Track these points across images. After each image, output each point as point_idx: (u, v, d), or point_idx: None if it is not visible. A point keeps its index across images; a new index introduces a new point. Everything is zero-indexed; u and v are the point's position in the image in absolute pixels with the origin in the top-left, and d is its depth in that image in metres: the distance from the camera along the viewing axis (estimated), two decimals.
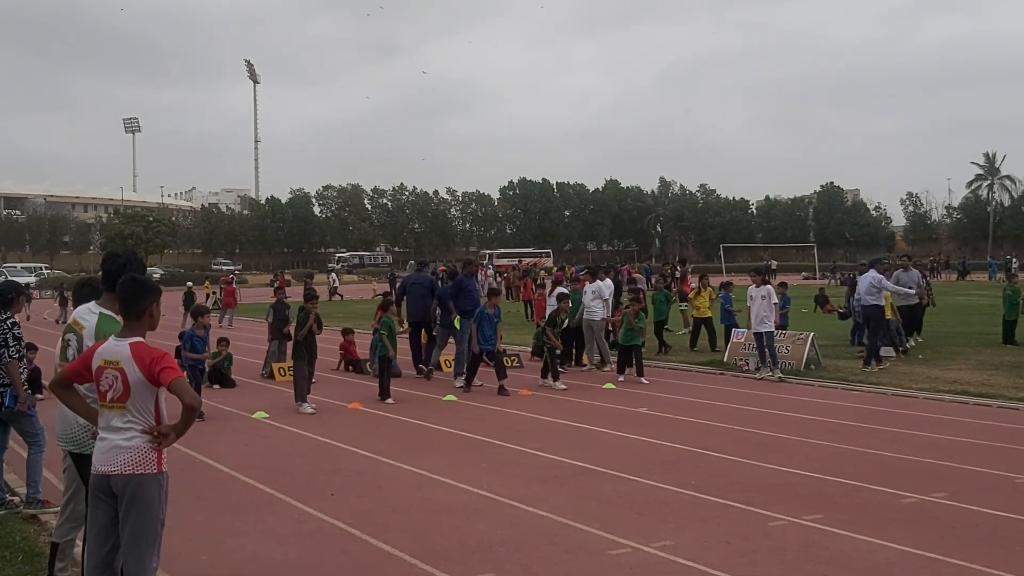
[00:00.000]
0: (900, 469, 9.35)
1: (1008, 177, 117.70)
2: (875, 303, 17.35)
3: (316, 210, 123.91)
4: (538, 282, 32.98)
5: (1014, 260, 68.15)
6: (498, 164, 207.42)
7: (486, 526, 7.48)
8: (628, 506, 8.03)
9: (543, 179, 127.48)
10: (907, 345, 19.59)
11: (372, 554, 6.80)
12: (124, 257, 5.53)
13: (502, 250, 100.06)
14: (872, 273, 17.83)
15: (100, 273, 5.59)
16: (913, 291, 19.59)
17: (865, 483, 8.71)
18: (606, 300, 18.19)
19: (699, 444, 10.70)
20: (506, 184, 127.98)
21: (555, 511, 7.84)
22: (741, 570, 6.29)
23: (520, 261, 72.71)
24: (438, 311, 17.28)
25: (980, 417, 12.41)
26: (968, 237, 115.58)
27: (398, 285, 21.83)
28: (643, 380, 15.98)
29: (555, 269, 50.95)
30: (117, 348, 4.74)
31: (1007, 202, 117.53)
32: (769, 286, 17.03)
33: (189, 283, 39.68)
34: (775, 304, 16.60)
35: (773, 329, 16.63)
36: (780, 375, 16.28)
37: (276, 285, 29.07)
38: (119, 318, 5.20)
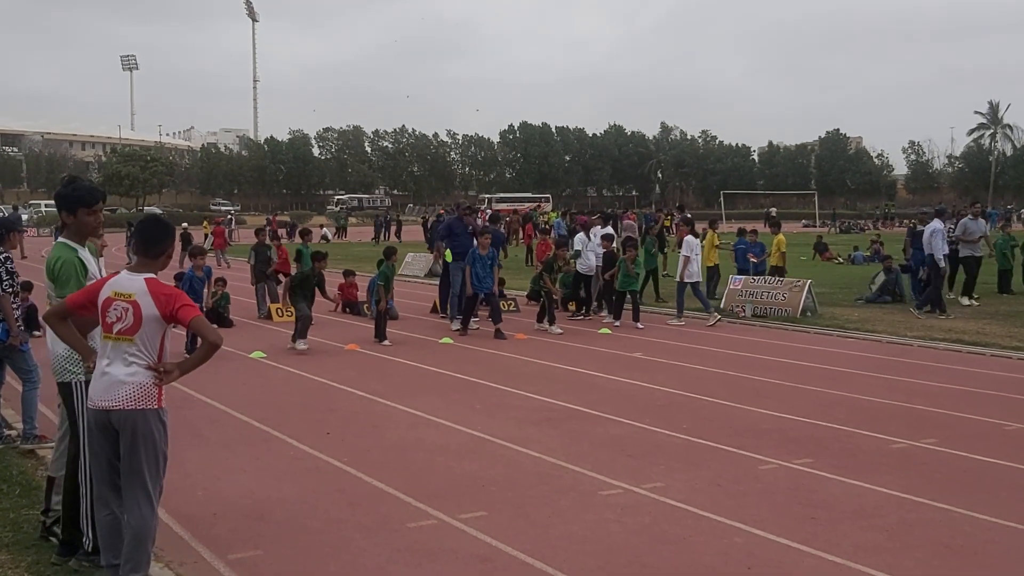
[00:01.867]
0: (891, 415, 9.42)
1: (1010, 126, 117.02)
2: (928, 252, 17.25)
3: (315, 151, 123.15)
4: (540, 227, 32.88)
5: (1022, 210, 68.06)
6: (498, 108, 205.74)
7: (479, 466, 7.56)
8: (620, 448, 8.11)
9: (543, 123, 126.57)
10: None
11: (366, 492, 6.88)
12: (79, 183, 5.52)
13: (501, 194, 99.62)
14: (936, 223, 17.68)
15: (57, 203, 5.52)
16: (980, 241, 19.31)
17: (856, 428, 8.79)
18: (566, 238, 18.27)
19: (692, 389, 10.77)
20: (506, 128, 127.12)
21: (547, 452, 7.92)
22: (730, 512, 6.37)
23: (539, 205, 72.23)
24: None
25: (973, 365, 12.48)
26: (969, 186, 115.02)
27: (440, 226, 21.28)
28: (638, 325, 16.03)
29: (555, 215, 50.66)
30: (131, 281, 4.78)
31: (1009, 152, 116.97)
32: (692, 238, 17.39)
33: (185, 224, 39.66)
34: (686, 256, 16.83)
35: (683, 280, 16.89)
36: (679, 323, 16.60)
37: (268, 227, 29.04)
38: (73, 244, 5.24)
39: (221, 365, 12.36)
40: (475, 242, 16.56)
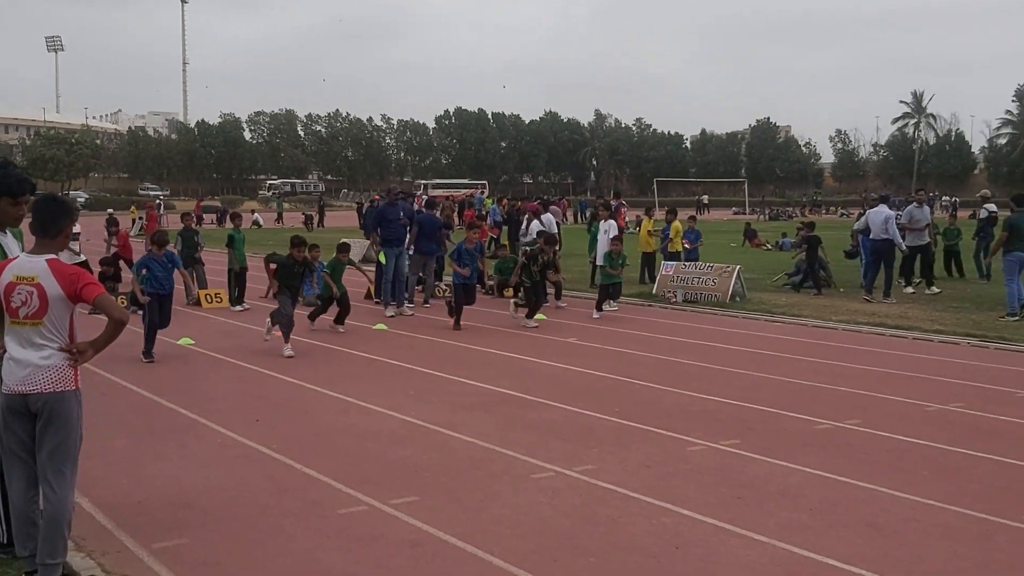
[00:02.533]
0: (816, 397, 9.63)
1: (933, 116, 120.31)
2: (887, 238, 17.45)
3: (247, 135, 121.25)
4: (481, 213, 32.91)
5: (949, 198, 69.96)
6: (434, 93, 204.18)
7: (411, 451, 7.53)
8: (553, 432, 8.15)
9: (479, 109, 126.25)
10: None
11: (296, 478, 6.81)
12: (11, 170, 5.33)
13: (436, 180, 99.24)
14: (884, 208, 17.98)
15: None
16: (925, 230, 19.14)
17: (782, 410, 8.97)
18: (553, 234, 18.33)
19: (624, 373, 10.87)
20: (442, 113, 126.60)
21: (481, 437, 7.93)
22: (659, 493, 6.45)
23: (481, 191, 73.05)
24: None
25: (896, 348, 12.81)
26: (894, 174, 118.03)
27: (372, 213, 20.43)
28: (595, 315, 15.75)
29: (490, 201, 50.62)
30: (32, 264, 4.67)
31: (932, 140, 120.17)
32: (612, 221, 17.56)
33: (110, 210, 38.80)
34: (611, 239, 16.95)
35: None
36: (611, 309, 16.47)
37: (193, 211, 28.59)
38: None
39: None
40: (407, 230, 16.53)
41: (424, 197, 29.26)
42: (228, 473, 6.92)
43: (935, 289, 18.78)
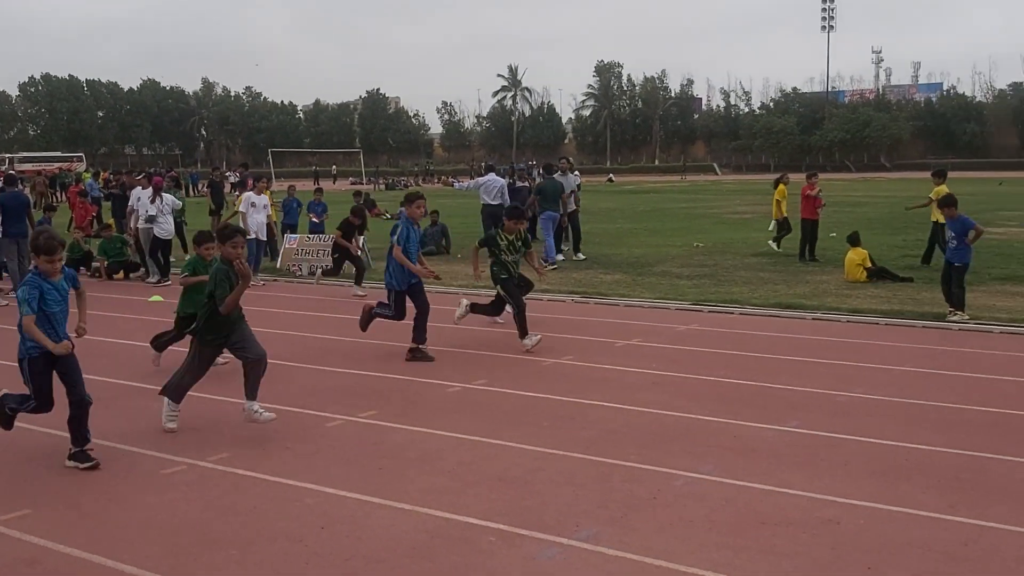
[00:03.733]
0: (445, 360, 10.00)
1: (528, 89, 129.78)
2: (501, 203, 18.93)
3: None
4: (80, 190, 30.15)
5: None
6: (15, 57, 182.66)
7: (17, 459, 6.75)
8: (183, 422, 7.67)
9: (70, 75, 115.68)
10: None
11: None
12: None
13: (24, 154, 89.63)
14: (494, 176, 20.26)
15: None
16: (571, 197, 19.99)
17: (415, 377, 9.21)
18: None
19: None
20: (27, 80, 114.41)
21: (100, 435, 7.21)
22: (300, 474, 6.33)
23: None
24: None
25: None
26: (496, 144, 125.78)
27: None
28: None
29: (88, 175, 46.68)
30: None
31: (528, 112, 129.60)
32: (249, 193, 17.52)
33: None
34: (243, 213, 16.89)
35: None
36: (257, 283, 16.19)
37: None
38: None
39: None
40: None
41: (11, 172, 26.26)
42: None
43: (581, 256, 19.61)
